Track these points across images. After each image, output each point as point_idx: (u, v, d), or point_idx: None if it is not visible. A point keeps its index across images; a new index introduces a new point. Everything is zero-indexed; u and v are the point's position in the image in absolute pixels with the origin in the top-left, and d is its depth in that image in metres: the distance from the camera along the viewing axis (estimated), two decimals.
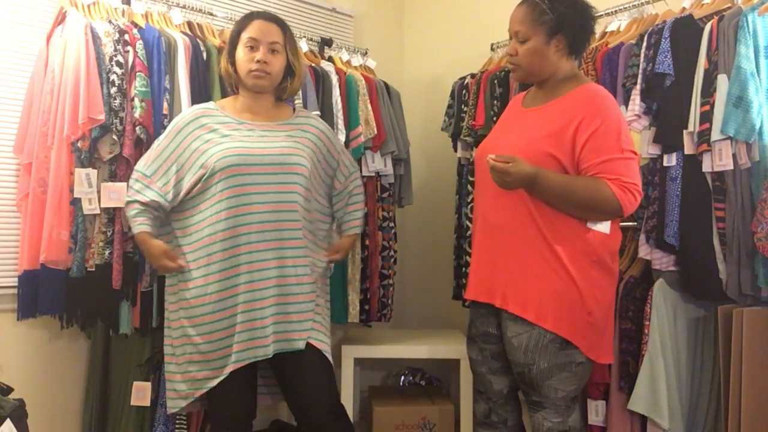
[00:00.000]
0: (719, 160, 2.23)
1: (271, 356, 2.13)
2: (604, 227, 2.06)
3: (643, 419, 2.38)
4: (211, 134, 2.18)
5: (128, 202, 2.23)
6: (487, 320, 2.19)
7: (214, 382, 2.13)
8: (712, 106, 2.24)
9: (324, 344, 2.23)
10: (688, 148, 2.32)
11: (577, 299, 2.02)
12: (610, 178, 1.97)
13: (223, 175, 2.10)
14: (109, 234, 2.46)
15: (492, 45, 3.34)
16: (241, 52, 2.21)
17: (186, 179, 2.18)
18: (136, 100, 2.48)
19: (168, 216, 2.25)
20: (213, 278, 2.11)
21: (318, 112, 2.83)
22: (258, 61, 2.17)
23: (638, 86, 2.44)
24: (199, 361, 2.15)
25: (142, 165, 2.24)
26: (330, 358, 2.24)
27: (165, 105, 2.55)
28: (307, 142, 2.26)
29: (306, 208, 2.22)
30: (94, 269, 2.44)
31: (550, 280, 2.00)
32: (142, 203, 2.19)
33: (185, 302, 2.16)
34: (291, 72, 2.29)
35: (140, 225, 2.18)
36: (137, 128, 2.47)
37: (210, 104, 2.29)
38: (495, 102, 3.03)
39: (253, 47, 2.19)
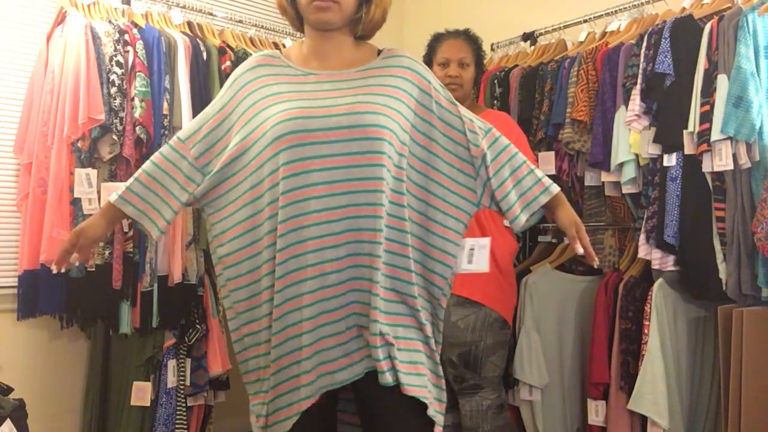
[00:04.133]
0: (719, 160, 2.22)
1: (347, 381, 1.51)
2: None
3: (643, 419, 2.38)
4: (266, 89, 1.59)
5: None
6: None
7: (288, 425, 1.51)
8: (712, 106, 2.24)
9: (425, 393, 1.53)
10: (688, 148, 2.32)
11: (509, 287, 2.46)
12: None
13: (276, 147, 1.49)
14: (109, 234, 2.45)
15: (492, 45, 3.34)
16: None
17: (229, 147, 1.59)
18: (136, 100, 2.48)
19: (202, 208, 1.67)
20: (266, 294, 1.53)
21: None
22: None
23: (638, 86, 2.44)
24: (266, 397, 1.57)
25: (182, 130, 1.69)
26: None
27: (165, 105, 2.56)
28: (396, 93, 1.56)
29: (390, 188, 1.53)
30: (94, 269, 2.44)
31: (490, 270, 2.14)
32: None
33: (243, 324, 1.59)
34: None
35: (117, 192, 1.62)
36: (137, 128, 2.48)
37: (275, 51, 1.70)
38: (495, 102, 3.03)
39: None
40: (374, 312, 1.48)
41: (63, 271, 1.63)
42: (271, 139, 1.50)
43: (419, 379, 1.52)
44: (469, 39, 2.53)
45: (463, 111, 1.65)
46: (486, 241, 1.80)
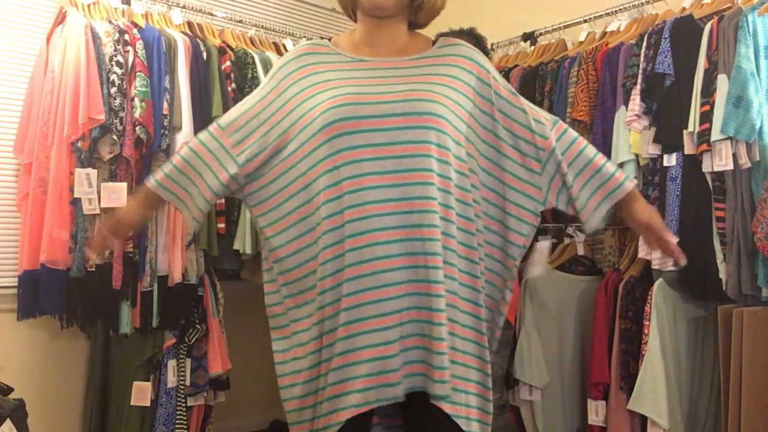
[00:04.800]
0: (719, 160, 2.22)
1: (401, 398, 1.40)
2: None
3: (643, 419, 2.38)
4: (314, 77, 1.50)
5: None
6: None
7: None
8: (712, 106, 2.24)
9: (461, 411, 1.43)
10: (688, 148, 2.32)
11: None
12: None
13: (325, 135, 1.41)
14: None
15: (492, 45, 3.33)
16: None
17: (272, 139, 1.51)
18: (136, 100, 2.48)
19: (243, 199, 1.59)
20: (324, 284, 1.41)
21: None
22: None
23: (638, 86, 2.44)
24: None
25: (222, 117, 1.61)
26: None
27: (165, 105, 2.55)
28: (454, 83, 1.48)
29: (454, 183, 1.43)
30: (94, 269, 2.44)
31: None
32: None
33: (285, 326, 1.51)
34: None
35: (153, 176, 1.59)
36: (137, 128, 2.47)
37: (322, 40, 1.62)
38: None
39: None
40: (436, 314, 1.37)
41: (98, 261, 1.61)
42: (319, 127, 1.41)
43: (459, 395, 1.42)
44: (472, 39, 2.48)
45: (525, 101, 1.55)
46: (544, 245, 1.71)
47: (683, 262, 1.55)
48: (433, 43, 1.57)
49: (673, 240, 1.51)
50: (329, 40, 1.61)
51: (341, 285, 1.38)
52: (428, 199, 1.38)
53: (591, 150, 1.55)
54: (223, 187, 1.54)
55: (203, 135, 1.58)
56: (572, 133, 1.56)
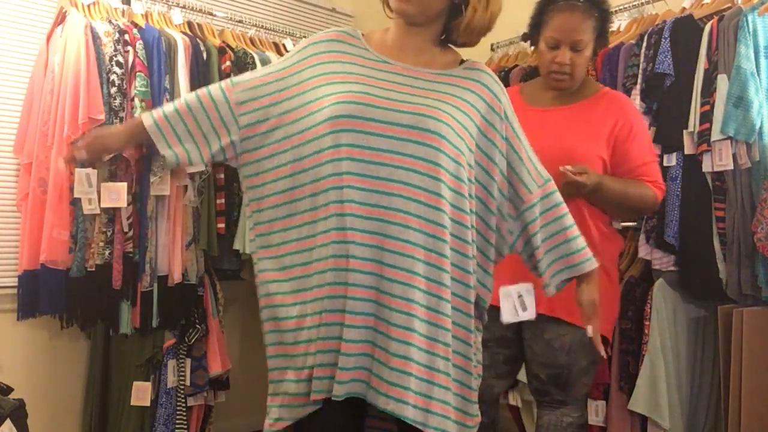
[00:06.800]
0: (719, 160, 2.23)
1: (342, 397, 1.39)
2: (618, 224, 2.23)
3: (643, 419, 2.38)
4: (336, 65, 1.51)
5: None
6: (504, 324, 1.81)
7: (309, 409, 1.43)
8: (712, 106, 2.24)
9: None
10: (688, 148, 2.33)
11: (614, 298, 2.11)
12: (649, 181, 2.03)
13: (329, 127, 1.41)
14: (109, 234, 2.46)
15: (492, 45, 3.33)
16: None
17: (276, 112, 1.51)
18: (136, 100, 2.48)
19: (239, 168, 1.57)
20: (317, 266, 1.42)
21: None
22: None
23: (638, 86, 2.44)
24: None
25: (238, 76, 1.61)
26: None
27: (165, 105, 2.55)
28: (467, 107, 1.48)
29: (455, 205, 1.44)
30: (94, 269, 2.44)
31: (599, 282, 1.75)
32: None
33: (269, 307, 1.50)
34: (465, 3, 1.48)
35: (150, 113, 1.58)
36: None
37: (356, 31, 1.60)
38: None
39: None
40: (410, 334, 1.37)
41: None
42: (326, 117, 1.42)
43: (435, 418, 1.41)
44: (589, 9, 1.99)
45: (527, 148, 1.57)
46: (530, 286, 1.68)
47: (602, 354, 1.66)
48: (461, 63, 1.57)
49: (590, 332, 1.59)
50: (362, 33, 1.60)
51: (325, 273, 1.39)
52: (407, 214, 1.39)
53: (568, 219, 1.59)
54: (220, 149, 1.54)
55: (212, 86, 1.58)
56: (558, 196, 1.59)
